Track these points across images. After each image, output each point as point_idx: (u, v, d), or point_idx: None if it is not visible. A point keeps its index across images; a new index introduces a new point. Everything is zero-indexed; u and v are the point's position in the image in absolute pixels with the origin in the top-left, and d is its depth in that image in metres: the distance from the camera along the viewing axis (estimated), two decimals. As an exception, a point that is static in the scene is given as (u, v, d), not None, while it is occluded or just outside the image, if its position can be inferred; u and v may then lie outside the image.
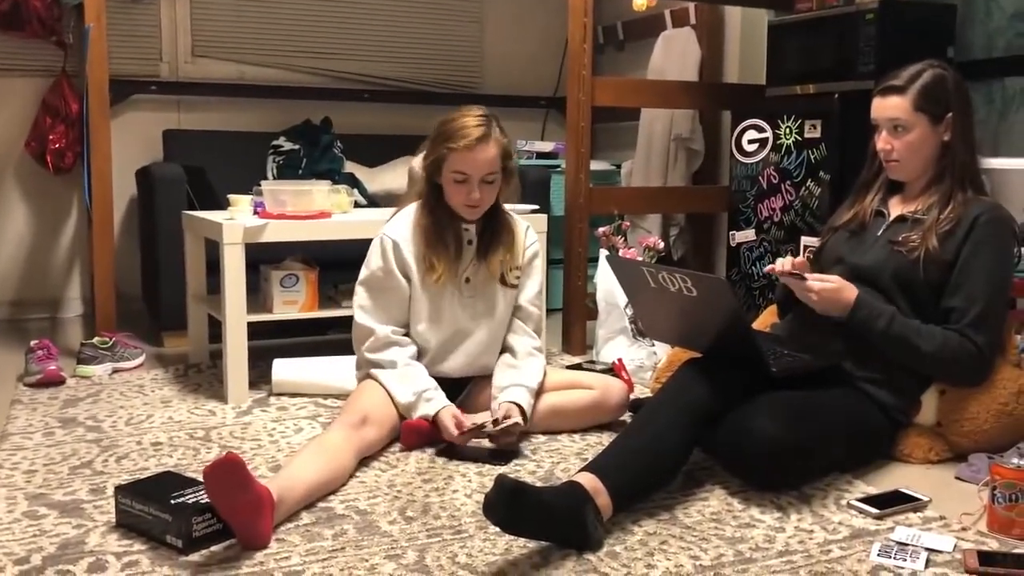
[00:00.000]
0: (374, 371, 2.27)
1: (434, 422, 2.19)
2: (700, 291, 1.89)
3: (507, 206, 2.43)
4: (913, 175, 2.20)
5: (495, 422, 2.15)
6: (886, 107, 2.15)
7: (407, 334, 2.33)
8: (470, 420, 2.20)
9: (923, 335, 2.06)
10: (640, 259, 3.04)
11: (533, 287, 2.42)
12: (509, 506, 1.57)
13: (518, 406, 2.19)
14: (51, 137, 3.77)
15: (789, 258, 2.18)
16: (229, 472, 1.58)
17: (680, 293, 1.92)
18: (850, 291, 2.08)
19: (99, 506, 1.84)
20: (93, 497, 1.90)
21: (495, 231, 2.34)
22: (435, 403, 2.20)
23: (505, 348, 2.40)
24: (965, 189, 2.14)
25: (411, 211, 2.33)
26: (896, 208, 2.24)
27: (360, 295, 2.31)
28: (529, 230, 2.44)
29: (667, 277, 1.93)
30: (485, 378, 2.37)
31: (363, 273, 2.32)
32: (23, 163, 3.90)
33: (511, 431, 2.16)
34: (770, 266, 2.20)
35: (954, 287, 2.10)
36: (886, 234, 2.19)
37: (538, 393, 2.31)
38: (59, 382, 2.81)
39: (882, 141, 2.18)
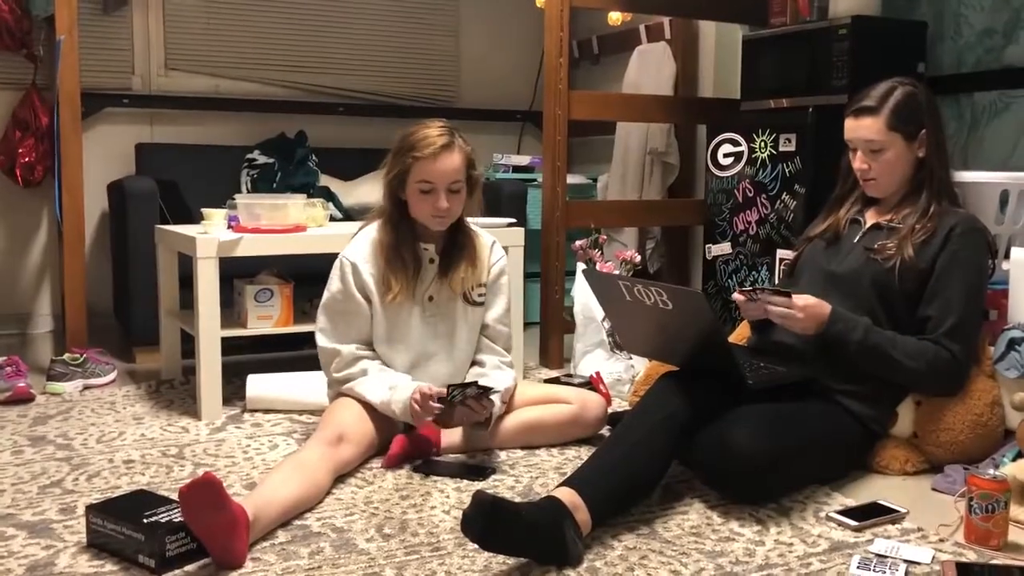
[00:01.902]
0: (346, 385, 2.25)
1: (413, 437, 2.18)
2: (676, 304, 1.89)
3: (480, 220, 2.42)
4: (890, 191, 2.22)
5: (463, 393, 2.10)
6: (860, 128, 2.16)
7: (372, 351, 2.30)
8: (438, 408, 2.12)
9: (898, 346, 2.07)
10: (617, 272, 3.05)
11: (500, 305, 2.39)
12: (487, 522, 1.56)
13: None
14: (21, 150, 3.72)
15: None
16: (205, 492, 1.56)
17: (656, 306, 1.92)
18: (823, 306, 2.09)
19: (69, 526, 1.81)
20: (63, 517, 1.86)
21: (457, 247, 2.30)
22: (407, 388, 2.15)
23: (474, 364, 2.37)
24: (940, 201, 2.16)
25: (371, 230, 2.30)
26: (872, 217, 2.26)
27: (321, 319, 2.29)
28: (495, 246, 2.40)
29: (642, 291, 1.93)
30: None
31: (324, 296, 2.29)
32: (-8, 177, 3.84)
33: (480, 403, 2.10)
34: (736, 295, 2.17)
35: (930, 296, 2.12)
36: (862, 241, 2.21)
37: (508, 407, 2.30)
38: (28, 399, 2.76)
39: (858, 161, 2.19)
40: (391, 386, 2.18)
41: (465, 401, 2.10)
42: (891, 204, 2.23)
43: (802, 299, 2.08)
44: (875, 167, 2.17)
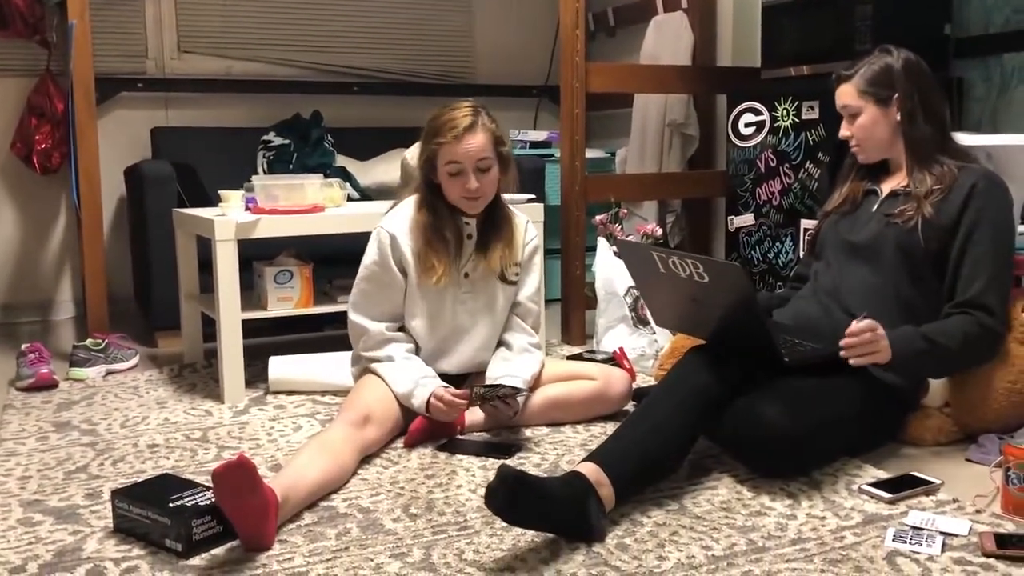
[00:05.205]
0: (372, 365, 2.24)
1: (433, 416, 2.16)
2: (712, 277, 1.85)
3: (506, 197, 2.40)
4: (876, 155, 2.22)
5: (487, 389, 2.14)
6: (839, 96, 2.23)
7: (402, 328, 2.30)
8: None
9: (947, 332, 2.00)
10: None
11: (532, 283, 2.39)
12: (510, 495, 1.55)
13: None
14: (37, 138, 3.72)
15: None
16: (239, 474, 1.55)
17: (691, 279, 1.89)
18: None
19: (96, 511, 1.81)
20: (89, 502, 1.86)
21: (495, 225, 2.30)
22: (429, 387, 2.16)
23: (501, 343, 2.36)
24: (938, 161, 2.13)
25: (410, 204, 2.29)
26: (887, 185, 2.24)
27: (354, 291, 2.29)
28: (529, 225, 2.40)
29: (678, 262, 1.89)
30: (482, 374, 2.33)
31: (360, 269, 2.29)
32: (9, 165, 3.84)
33: (504, 401, 2.14)
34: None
35: (959, 256, 2.08)
36: (881, 209, 2.19)
37: (532, 389, 2.28)
38: (52, 386, 2.77)
39: (842, 128, 2.24)
40: (413, 379, 2.18)
41: (491, 402, 2.12)
42: (897, 168, 2.22)
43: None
44: (854, 132, 2.21)
